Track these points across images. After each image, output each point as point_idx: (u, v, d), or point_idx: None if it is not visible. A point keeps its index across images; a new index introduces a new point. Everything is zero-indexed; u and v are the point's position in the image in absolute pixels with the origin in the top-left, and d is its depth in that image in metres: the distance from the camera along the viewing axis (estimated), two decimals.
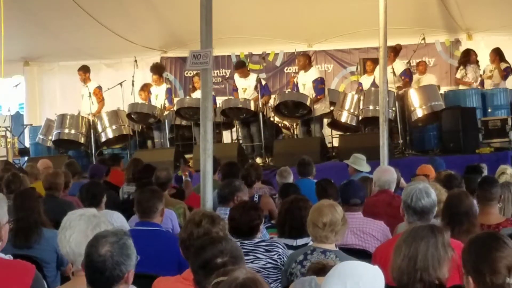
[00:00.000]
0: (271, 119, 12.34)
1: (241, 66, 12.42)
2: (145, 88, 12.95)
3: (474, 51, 12.74)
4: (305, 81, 11.93)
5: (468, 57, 12.57)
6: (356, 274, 2.46)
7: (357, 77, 13.67)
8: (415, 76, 13.06)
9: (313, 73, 12.12)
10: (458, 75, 12.66)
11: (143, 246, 4.42)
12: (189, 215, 4.05)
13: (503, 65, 12.42)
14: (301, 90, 11.90)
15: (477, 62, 12.57)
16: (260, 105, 11.80)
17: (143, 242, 4.55)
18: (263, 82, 12.55)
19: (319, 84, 11.95)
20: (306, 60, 12.14)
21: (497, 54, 12.44)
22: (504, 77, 12.36)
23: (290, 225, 4.79)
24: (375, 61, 12.26)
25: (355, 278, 2.44)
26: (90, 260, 2.87)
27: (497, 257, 2.68)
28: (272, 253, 4.44)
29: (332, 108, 12.24)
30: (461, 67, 12.55)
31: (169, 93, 12.88)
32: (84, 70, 12.86)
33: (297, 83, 12.16)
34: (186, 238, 3.74)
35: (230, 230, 4.53)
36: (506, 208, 5.50)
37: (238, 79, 12.37)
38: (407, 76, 12.09)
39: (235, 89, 12.39)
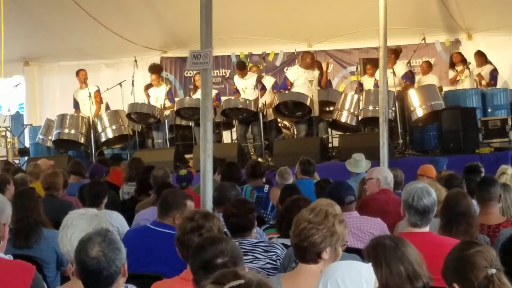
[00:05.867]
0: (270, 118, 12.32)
1: (243, 68, 12.45)
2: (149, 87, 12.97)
3: (456, 55, 12.82)
4: (312, 78, 11.89)
5: (452, 61, 12.73)
6: (338, 274, 2.50)
7: (357, 77, 13.67)
8: (417, 77, 13.03)
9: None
10: (450, 75, 12.82)
11: (158, 246, 4.49)
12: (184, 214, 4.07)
13: (490, 67, 12.47)
14: (303, 89, 11.82)
15: (456, 64, 12.63)
16: (260, 105, 11.79)
17: (158, 243, 4.59)
18: (273, 80, 12.71)
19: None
20: (312, 58, 12.15)
21: (483, 56, 12.59)
22: (494, 84, 12.43)
23: (289, 224, 4.77)
24: (376, 64, 12.24)
25: (335, 278, 2.48)
26: (83, 265, 2.82)
27: (472, 252, 2.73)
28: (271, 254, 4.43)
29: (331, 108, 12.25)
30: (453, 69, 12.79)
31: (170, 94, 12.92)
32: (84, 71, 12.86)
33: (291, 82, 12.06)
34: (180, 234, 3.73)
35: (228, 228, 4.54)
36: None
37: (237, 80, 12.38)
38: (408, 79, 12.02)
39: (236, 91, 12.41)
